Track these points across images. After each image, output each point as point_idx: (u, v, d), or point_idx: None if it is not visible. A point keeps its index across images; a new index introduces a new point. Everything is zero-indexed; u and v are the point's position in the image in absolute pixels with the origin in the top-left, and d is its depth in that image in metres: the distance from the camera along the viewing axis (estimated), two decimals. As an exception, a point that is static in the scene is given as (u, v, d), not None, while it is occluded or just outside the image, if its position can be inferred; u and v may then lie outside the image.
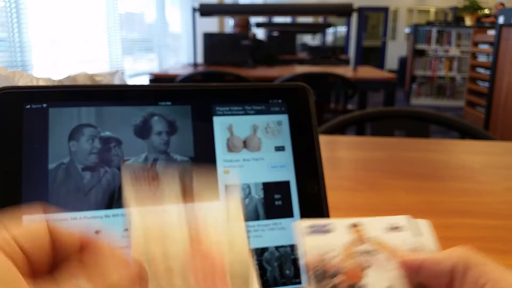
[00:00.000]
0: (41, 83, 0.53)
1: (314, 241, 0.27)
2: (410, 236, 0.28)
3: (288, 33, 5.89)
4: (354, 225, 0.28)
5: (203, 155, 0.34)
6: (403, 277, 0.26)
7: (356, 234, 0.28)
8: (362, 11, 3.06)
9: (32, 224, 0.21)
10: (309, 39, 9.76)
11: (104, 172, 0.31)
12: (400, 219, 0.28)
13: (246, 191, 0.34)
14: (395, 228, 0.28)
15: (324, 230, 0.27)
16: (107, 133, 0.32)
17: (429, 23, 6.22)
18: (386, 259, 0.27)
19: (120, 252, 0.21)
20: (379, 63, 9.38)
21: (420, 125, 1.12)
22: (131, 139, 0.33)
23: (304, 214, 0.34)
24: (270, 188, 0.34)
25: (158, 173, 0.32)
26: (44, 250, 0.21)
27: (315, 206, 0.34)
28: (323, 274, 0.26)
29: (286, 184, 0.34)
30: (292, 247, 0.33)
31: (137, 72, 3.61)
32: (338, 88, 2.96)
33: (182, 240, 0.24)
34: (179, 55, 4.77)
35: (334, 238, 0.27)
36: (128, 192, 0.24)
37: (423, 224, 0.28)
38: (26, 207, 0.30)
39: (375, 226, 0.28)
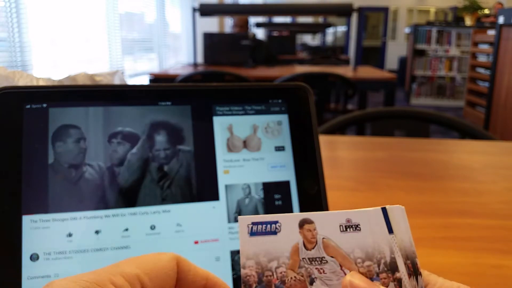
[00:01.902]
0: (41, 83, 0.53)
1: (258, 244, 0.23)
2: (372, 233, 0.23)
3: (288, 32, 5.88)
4: (305, 222, 0.24)
5: (203, 155, 0.34)
6: None
7: (308, 233, 0.23)
8: (362, 11, 3.06)
9: (162, 260, 0.20)
10: (309, 39, 9.76)
11: (104, 171, 0.31)
12: (360, 214, 0.23)
13: (246, 191, 0.34)
14: (353, 226, 0.23)
15: (270, 230, 0.23)
16: (107, 133, 0.32)
17: (429, 23, 6.23)
18: (336, 269, 0.23)
19: None
20: (379, 63, 9.38)
21: (420, 125, 1.12)
22: (131, 138, 0.33)
23: (304, 214, 0.34)
24: (270, 188, 0.34)
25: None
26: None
27: (315, 206, 0.34)
28: None
29: (286, 184, 0.34)
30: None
31: (137, 72, 3.61)
32: (338, 88, 2.96)
33: None
34: (179, 55, 4.77)
35: (281, 241, 0.23)
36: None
37: (397, 212, 0.23)
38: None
39: (329, 224, 0.23)
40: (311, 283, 0.23)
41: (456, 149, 0.96)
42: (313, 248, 0.23)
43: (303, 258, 0.23)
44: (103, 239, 0.30)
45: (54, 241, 0.29)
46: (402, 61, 7.24)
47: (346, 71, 3.00)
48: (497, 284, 0.43)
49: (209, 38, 3.31)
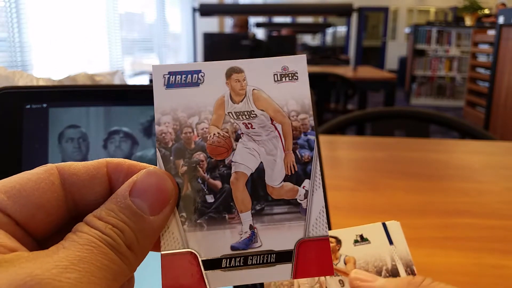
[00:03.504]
0: (41, 83, 0.53)
1: (176, 97, 0.20)
2: (376, 244, 0.26)
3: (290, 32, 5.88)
4: (233, 72, 0.20)
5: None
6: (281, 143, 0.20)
7: (236, 84, 0.20)
8: (362, 11, 3.06)
9: (31, 174, 0.17)
10: (309, 39, 9.76)
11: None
12: (367, 228, 0.26)
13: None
14: (289, 75, 0.21)
15: (192, 81, 0.20)
16: (107, 133, 0.32)
17: (429, 23, 6.22)
18: (266, 123, 0.20)
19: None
20: (379, 63, 9.38)
21: (420, 125, 1.12)
22: (132, 138, 0.33)
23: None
24: (270, 188, 0.34)
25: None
26: (50, 203, 0.17)
27: (315, 206, 0.34)
28: (183, 147, 0.20)
29: (286, 184, 0.34)
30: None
31: (137, 72, 3.61)
32: (338, 88, 2.97)
33: None
34: (179, 55, 4.77)
35: (204, 93, 0.20)
36: None
37: (395, 226, 0.26)
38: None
39: (261, 73, 0.21)
40: (237, 139, 0.20)
41: (456, 149, 0.96)
42: (241, 101, 0.20)
43: (228, 113, 0.20)
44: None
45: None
46: (402, 61, 7.23)
47: (346, 71, 3.00)
48: (497, 284, 0.43)
49: (209, 38, 3.31)
